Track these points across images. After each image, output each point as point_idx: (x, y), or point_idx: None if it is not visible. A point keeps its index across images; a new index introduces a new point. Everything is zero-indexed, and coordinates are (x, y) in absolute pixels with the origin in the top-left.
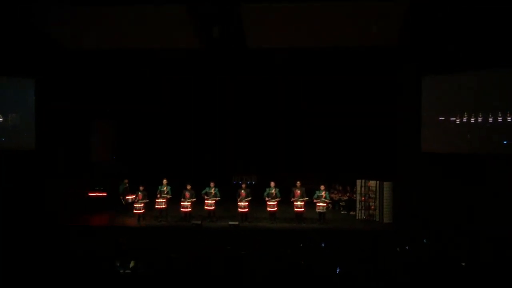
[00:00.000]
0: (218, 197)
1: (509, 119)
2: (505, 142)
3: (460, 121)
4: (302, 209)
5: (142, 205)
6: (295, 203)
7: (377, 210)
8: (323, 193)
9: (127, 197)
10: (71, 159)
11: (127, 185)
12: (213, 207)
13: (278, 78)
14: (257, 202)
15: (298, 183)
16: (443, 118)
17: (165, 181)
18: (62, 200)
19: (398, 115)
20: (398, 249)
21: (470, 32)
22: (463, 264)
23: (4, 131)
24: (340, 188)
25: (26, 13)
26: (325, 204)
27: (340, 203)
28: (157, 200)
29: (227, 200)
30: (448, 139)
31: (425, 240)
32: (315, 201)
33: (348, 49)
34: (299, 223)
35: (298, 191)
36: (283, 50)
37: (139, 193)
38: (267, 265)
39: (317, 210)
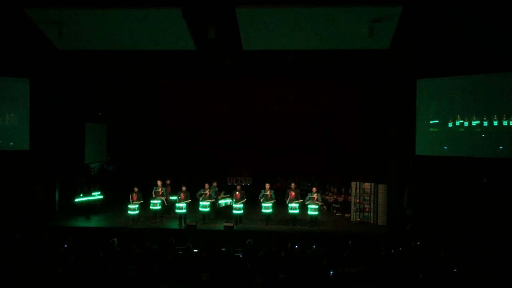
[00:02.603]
0: (213, 199)
1: (504, 123)
2: (501, 147)
3: (454, 124)
4: (297, 211)
5: (137, 206)
6: (289, 205)
7: (372, 212)
8: (315, 195)
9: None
10: (66, 160)
11: (217, 188)
12: (208, 209)
13: (274, 80)
14: (252, 204)
15: (293, 185)
16: (438, 122)
17: (159, 183)
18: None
19: (393, 118)
20: (392, 251)
21: (466, 35)
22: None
23: (1, 132)
24: (335, 190)
25: (21, 13)
26: (317, 207)
27: (335, 205)
28: (152, 201)
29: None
30: (443, 143)
31: (418, 243)
32: (307, 203)
33: (343, 53)
34: (293, 225)
35: (293, 193)
36: (279, 53)
37: (134, 194)
38: (262, 267)
39: (309, 213)
